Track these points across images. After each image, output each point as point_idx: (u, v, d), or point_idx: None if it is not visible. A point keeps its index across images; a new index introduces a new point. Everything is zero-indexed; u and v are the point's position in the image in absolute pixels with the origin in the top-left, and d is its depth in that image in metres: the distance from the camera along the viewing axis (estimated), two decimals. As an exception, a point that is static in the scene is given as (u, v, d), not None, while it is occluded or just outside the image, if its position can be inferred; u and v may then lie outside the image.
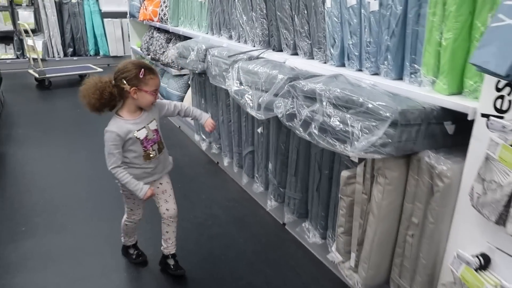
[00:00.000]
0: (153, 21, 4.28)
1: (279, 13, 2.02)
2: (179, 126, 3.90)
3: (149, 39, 4.50)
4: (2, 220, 2.29)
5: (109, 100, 1.57)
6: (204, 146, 3.12)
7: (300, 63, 1.86)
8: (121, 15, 6.49)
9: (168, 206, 1.79)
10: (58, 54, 6.67)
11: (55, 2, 6.40)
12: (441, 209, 1.24)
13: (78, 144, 3.44)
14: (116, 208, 2.34)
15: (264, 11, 2.15)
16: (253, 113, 1.83)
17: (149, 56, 4.40)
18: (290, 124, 1.55)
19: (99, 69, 5.66)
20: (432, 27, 1.26)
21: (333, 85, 1.40)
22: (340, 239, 1.59)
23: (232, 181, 2.80)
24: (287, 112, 1.56)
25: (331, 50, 1.74)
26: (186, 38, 3.34)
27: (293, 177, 1.97)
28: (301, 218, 2.02)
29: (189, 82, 3.67)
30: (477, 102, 1.13)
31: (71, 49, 6.78)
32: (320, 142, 1.41)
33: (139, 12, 4.74)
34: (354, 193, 1.49)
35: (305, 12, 1.85)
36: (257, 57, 2.12)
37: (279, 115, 1.60)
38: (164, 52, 4.08)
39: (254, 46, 2.31)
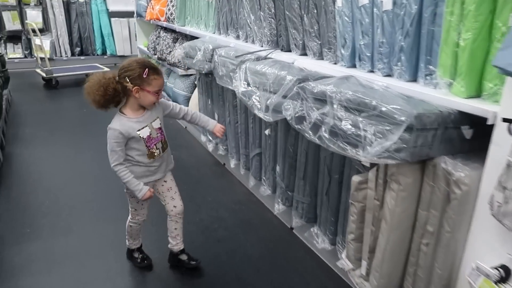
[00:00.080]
0: (160, 20, 4.26)
1: (287, 13, 1.97)
2: (186, 127, 3.87)
3: (156, 38, 4.48)
4: (7, 221, 2.27)
5: (113, 96, 1.57)
6: (210, 147, 3.09)
7: (309, 63, 1.81)
8: (128, 14, 6.49)
9: (175, 203, 1.79)
10: (66, 54, 6.69)
11: (63, 1, 6.41)
12: (458, 217, 1.18)
13: (84, 144, 3.43)
14: (121, 210, 2.31)
15: (273, 11, 2.11)
16: (260, 115, 1.79)
17: (156, 56, 4.38)
18: (299, 127, 1.50)
19: (106, 69, 5.64)
20: (450, 27, 1.20)
21: (344, 87, 1.35)
22: (351, 246, 1.54)
23: (239, 183, 2.75)
24: (296, 115, 1.51)
25: (342, 50, 1.68)
26: (193, 37, 3.31)
27: (302, 181, 1.92)
28: (310, 222, 1.97)
29: (195, 82, 3.64)
30: (497, 106, 1.07)
31: (78, 49, 6.79)
32: (330, 146, 1.36)
33: (146, 11, 4.72)
34: (365, 199, 1.43)
35: (315, 11, 1.80)
36: (265, 58, 2.07)
37: (288, 118, 1.55)
38: (170, 51, 4.06)
39: (262, 46, 2.26)
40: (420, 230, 1.32)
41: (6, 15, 6.31)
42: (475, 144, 1.23)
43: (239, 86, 1.97)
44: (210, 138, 3.08)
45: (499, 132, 1.05)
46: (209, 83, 2.89)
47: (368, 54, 1.56)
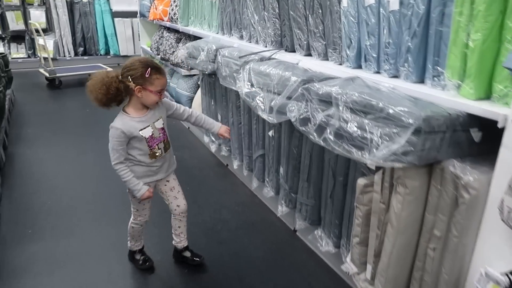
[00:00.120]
0: (163, 20, 4.25)
1: (292, 13, 1.94)
2: (188, 127, 3.85)
3: (159, 38, 4.46)
4: (9, 222, 2.26)
5: (116, 95, 1.56)
6: (213, 148, 3.07)
7: (314, 64, 1.79)
8: (131, 14, 6.48)
9: (178, 202, 1.80)
10: (69, 54, 6.70)
11: (66, 1, 6.42)
12: (467, 222, 1.16)
13: (86, 145, 3.42)
14: (123, 212, 2.30)
15: (277, 11, 2.09)
16: (264, 116, 1.76)
17: (159, 56, 4.37)
18: (304, 129, 1.48)
19: (109, 69, 5.64)
20: (458, 27, 1.17)
21: (350, 89, 1.32)
22: (356, 249, 1.52)
23: (242, 185, 2.73)
24: (301, 116, 1.49)
25: (347, 51, 1.66)
26: (196, 38, 3.29)
27: (306, 183, 1.90)
28: (314, 225, 1.94)
29: (198, 83, 3.63)
30: (508, 108, 1.05)
31: (81, 49, 6.80)
32: (335, 148, 1.33)
33: (149, 11, 4.71)
34: (371, 202, 1.41)
35: (320, 11, 1.78)
36: (269, 58, 2.05)
37: (292, 119, 1.53)
38: (174, 52, 4.04)
39: (266, 47, 2.24)
40: (427, 234, 1.29)
41: (9, 15, 6.33)
42: (484, 147, 1.21)
43: (243, 87, 1.95)
44: (213, 139, 3.06)
45: (510, 135, 1.02)
46: (212, 83, 2.87)
47: (374, 55, 1.53)
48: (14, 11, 6.35)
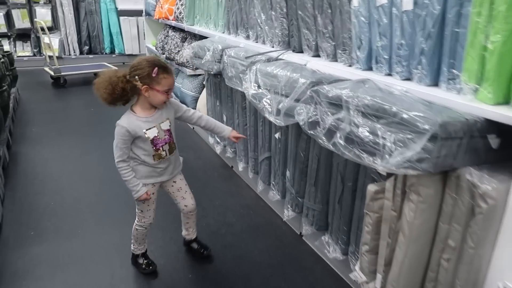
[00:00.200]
0: (168, 19, 4.21)
1: (300, 12, 1.90)
2: (193, 128, 3.81)
3: (164, 37, 4.43)
4: (11, 223, 2.23)
5: (121, 95, 1.56)
6: (218, 149, 3.03)
7: (322, 65, 1.74)
8: (137, 13, 6.47)
9: (186, 202, 1.83)
10: (74, 52, 6.69)
11: (72, 0, 6.40)
12: (483, 232, 1.11)
13: (91, 145, 3.39)
14: (126, 214, 2.27)
15: (284, 10, 2.04)
16: (271, 118, 1.72)
17: (164, 55, 4.33)
18: (313, 133, 1.43)
19: (114, 68, 5.62)
20: (477, 28, 1.12)
21: (361, 92, 1.27)
22: (365, 257, 1.47)
23: (247, 187, 2.69)
24: (310, 120, 1.44)
25: (357, 52, 1.61)
26: (201, 37, 3.26)
27: (313, 187, 1.85)
28: (321, 230, 1.90)
29: (204, 83, 3.59)
30: (529, 114, 0.99)
31: (87, 47, 6.79)
32: (345, 153, 1.29)
33: (154, 10, 4.67)
34: (381, 209, 1.36)
35: (329, 11, 1.73)
36: (276, 59, 2.00)
37: (301, 123, 1.48)
38: (179, 51, 4.01)
39: (273, 47, 2.20)
40: (441, 244, 1.24)
41: (15, 13, 6.33)
42: (502, 154, 1.16)
43: (249, 88, 1.90)
44: (218, 140, 3.02)
45: (531, 142, 0.97)
46: (217, 84, 2.83)
47: (386, 57, 1.48)
48: (20, 9, 6.35)
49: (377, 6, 1.47)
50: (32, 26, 6.43)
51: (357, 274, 1.52)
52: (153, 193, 1.72)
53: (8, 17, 6.31)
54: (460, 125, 1.07)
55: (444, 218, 1.21)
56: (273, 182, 2.26)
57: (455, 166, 1.13)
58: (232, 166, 2.97)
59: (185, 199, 1.82)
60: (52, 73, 5.32)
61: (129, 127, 1.56)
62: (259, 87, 1.86)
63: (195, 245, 1.99)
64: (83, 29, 6.67)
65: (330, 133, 1.35)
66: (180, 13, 3.89)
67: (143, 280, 1.83)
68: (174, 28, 4.27)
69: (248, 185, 2.71)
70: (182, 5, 3.85)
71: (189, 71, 3.82)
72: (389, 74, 1.50)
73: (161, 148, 1.63)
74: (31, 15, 6.38)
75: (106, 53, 6.89)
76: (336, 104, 1.34)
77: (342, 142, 1.29)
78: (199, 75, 3.82)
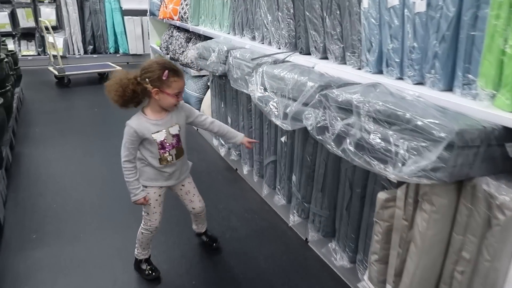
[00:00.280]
0: (173, 19, 4.18)
1: (308, 13, 1.85)
2: (197, 129, 3.78)
3: (169, 38, 4.40)
4: (13, 226, 2.20)
5: (132, 97, 1.55)
6: (222, 151, 2.99)
7: (331, 68, 1.69)
8: (141, 13, 6.45)
9: (193, 205, 1.86)
10: (78, 52, 6.68)
11: (76, -1, 6.40)
12: (500, 245, 1.06)
13: (94, 146, 3.36)
14: (129, 218, 2.24)
15: (292, 11, 1.99)
16: (278, 122, 1.68)
17: (168, 56, 4.30)
18: (321, 138, 1.39)
19: (118, 68, 5.61)
20: (495, 32, 1.07)
21: (372, 96, 1.23)
22: (374, 267, 1.42)
23: (252, 191, 2.65)
24: (318, 125, 1.40)
25: (367, 55, 1.56)
26: (206, 38, 3.21)
27: (320, 193, 1.81)
28: (327, 237, 1.85)
29: (208, 84, 3.55)
30: (550, 123, 0.95)
31: (91, 47, 6.78)
32: (355, 160, 1.24)
33: (159, 10, 4.65)
34: (392, 218, 1.31)
35: (338, 12, 1.68)
36: (283, 61, 1.96)
37: (309, 127, 1.44)
38: (183, 51, 3.97)
39: (280, 48, 2.16)
40: (454, 255, 1.19)
41: (20, 12, 6.32)
42: (519, 163, 1.11)
43: (256, 91, 1.86)
44: (222, 142, 2.98)
45: (553, 152, 0.92)
46: (222, 85, 2.79)
47: (397, 60, 1.44)
48: (24, 8, 6.34)
49: (388, 7, 1.42)
50: (36, 25, 6.42)
51: (366, 284, 1.48)
52: (159, 195, 1.71)
53: (13, 16, 6.31)
54: (477, 133, 1.02)
55: (458, 229, 1.16)
56: (279, 186, 2.22)
57: (471, 176, 1.08)
58: (236, 169, 2.93)
59: (193, 202, 1.85)
60: (56, 72, 5.30)
61: (137, 128, 1.56)
62: (265, 90, 1.82)
63: (204, 238, 2.04)
64: (87, 29, 6.66)
65: (340, 139, 1.31)
66: (185, 13, 3.86)
67: (146, 286, 1.80)
68: (178, 28, 4.24)
69: (252, 188, 2.66)
70: (186, 5, 3.82)
71: (193, 72, 3.78)
72: (400, 78, 1.46)
73: (167, 152, 1.62)
74: (36, 14, 6.37)
75: (110, 53, 6.87)
76: (346, 109, 1.29)
77: (352, 148, 1.25)
78: (204, 76, 3.79)
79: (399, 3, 1.38)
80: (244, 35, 2.64)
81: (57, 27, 6.47)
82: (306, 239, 2.09)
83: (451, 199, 1.15)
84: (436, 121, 1.02)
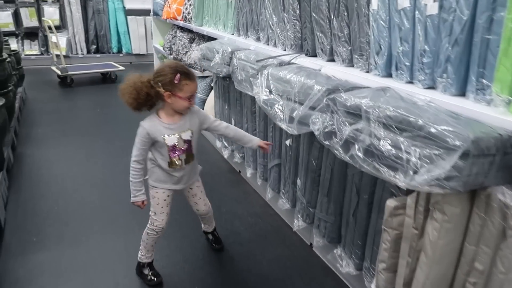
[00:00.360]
0: (176, 19, 4.15)
1: (314, 15, 1.82)
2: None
3: (172, 38, 4.37)
4: (14, 229, 2.18)
5: (146, 100, 1.56)
6: (226, 153, 2.96)
7: (338, 71, 1.66)
8: (144, 12, 6.43)
9: (198, 207, 1.90)
10: (82, 51, 6.67)
11: (80, -2, 6.39)
12: (516, 257, 1.02)
13: (96, 147, 3.34)
14: (132, 221, 2.21)
15: (298, 12, 1.96)
16: (283, 126, 1.64)
17: (171, 56, 4.27)
18: (328, 143, 1.35)
19: (121, 67, 5.59)
20: (511, 36, 1.04)
21: (383, 101, 1.19)
22: (381, 276, 1.38)
23: (255, 194, 2.61)
24: (325, 129, 1.36)
25: (376, 58, 1.53)
26: (210, 38, 3.18)
27: (325, 198, 1.77)
28: (333, 243, 1.81)
29: (211, 85, 3.52)
30: None
31: (94, 46, 6.76)
32: (364, 166, 1.21)
33: (162, 10, 4.62)
34: (401, 226, 1.28)
35: (345, 14, 1.65)
36: (289, 63, 1.93)
37: (316, 132, 1.41)
38: (187, 52, 3.94)
39: (285, 50, 2.12)
40: (466, 266, 1.15)
41: (23, 12, 6.32)
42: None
43: (261, 94, 1.83)
44: (226, 144, 2.95)
45: None
46: (226, 86, 2.76)
47: (407, 63, 1.40)
48: (28, 8, 6.33)
49: (399, 9, 1.38)
50: (40, 25, 6.41)
51: (373, 293, 1.44)
52: (168, 196, 1.71)
53: (16, 16, 6.30)
54: (493, 141, 0.99)
55: (471, 239, 1.12)
56: (283, 190, 2.18)
57: (485, 185, 1.04)
58: (239, 171, 2.90)
59: (198, 204, 1.88)
60: (59, 72, 5.29)
61: (149, 130, 1.57)
62: (270, 92, 1.79)
63: (210, 236, 2.07)
64: (90, 28, 6.64)
65: (348, 144, 1.27)
66: (189, 13, 3.83)
67: (148, 291, 1.77)
68: (182, 29, 4.21)
69: (256, 191, 2.63)
70: (190, 5, 3.79)
71: (197, 73, 3.75)
72: (410, 82, 1.42)
73: (177, 157, 1.63)
74: (39, 14, 6.36)
75: (113, 53, 6.85)
76: (355, 113, 1.26)
77: (360, 154, 1.22)
78: (207, 76, 3.76)
79: (410, 5, 1.34)
80: (249, 36, 2.61)
81: (60, 27, 6.46)
82: (311, 244, 2.05)
83: (463, 208, 1.11)
84: (450, 129, 0.98)
